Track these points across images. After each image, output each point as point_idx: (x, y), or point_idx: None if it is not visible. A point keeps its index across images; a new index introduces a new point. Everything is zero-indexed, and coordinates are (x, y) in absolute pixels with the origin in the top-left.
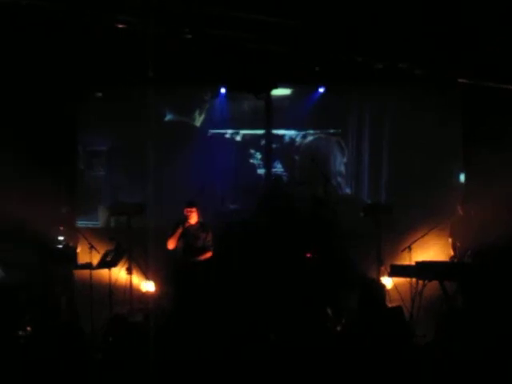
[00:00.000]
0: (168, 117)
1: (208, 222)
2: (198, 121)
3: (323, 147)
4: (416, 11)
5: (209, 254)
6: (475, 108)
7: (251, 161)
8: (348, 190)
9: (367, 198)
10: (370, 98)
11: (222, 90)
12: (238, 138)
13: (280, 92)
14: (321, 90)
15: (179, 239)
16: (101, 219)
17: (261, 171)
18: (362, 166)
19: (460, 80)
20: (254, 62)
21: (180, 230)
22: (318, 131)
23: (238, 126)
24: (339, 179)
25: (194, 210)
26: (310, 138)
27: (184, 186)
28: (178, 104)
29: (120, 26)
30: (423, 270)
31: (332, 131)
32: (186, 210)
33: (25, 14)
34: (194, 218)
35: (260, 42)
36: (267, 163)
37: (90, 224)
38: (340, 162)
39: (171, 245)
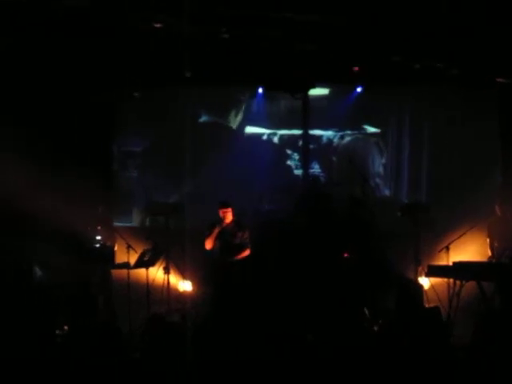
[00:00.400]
0: (203, 118)
1: (245, 221)
2: (235, 121)
3: (361, 148)
4: (453, 10)
5: (247, 252)
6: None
7: (288, 162)
8: (387, 191)
9: (406, 198)
10: (409, 99)
11: (260, 90)
12: (276, 139)
13: (318, 92)
14: (358, 89)
15: (216, 239)
16: (135, 220)
17: (298, 172)
18: (401, 167)
19: (498, 79)
20: (291, 62)
21: (217, 230)
22: (356, 132)
23: (275, 127)
24: (378, 180)
25: (229, 210)
26: (347, 139)
27: (220, 186)
28: (214, 105)
29: (157, 25)
30: (461, 270)
31: (370, 131)
32: (221, 210)
33: (67, 15)
34: (229, 218)
35: (297, 42)
36: (304, 164)
37: (125, 225)
38: (378, 163)
39: (209, 245)
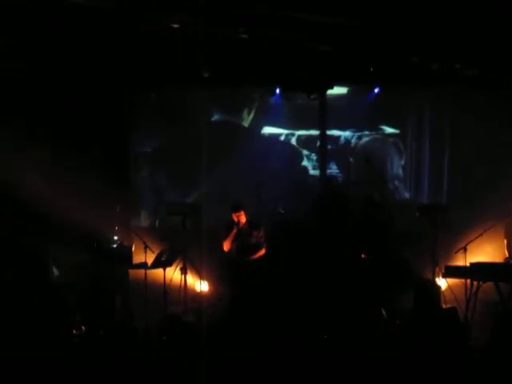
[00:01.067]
0: (215, 117)
1: (261, 221)
2: (247, 120)
3: (379, 149)
4: (469, 11)
5: (262, 251)
6: None
7: (306, 162)
8: (406, 194)
9: (426, 199)
10: (429, 99)
11: (277, 91)
12: (294, 139)
13: (336, 91)
14: (376, 90)
15: (233, 240)
16: (144, 221)
17: (316, 172)
18: (422, 168)
19: None
20: (308, 62)
21: (234, 231)
22: (374, 132)
23: (293, 127)
24: (396, 183)
25: (241, 213)
26: (365, 139)
27: (236, 186)
28: (228, 104)
29: (174, 25)
30: (478, 271)
31: (388, 132)
32: (234, 214)
33: (83, 15)
34: (243, 220)
35: (314, 42)
36: (322, 164)
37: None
38: (398, 165)
39: (227, 246)
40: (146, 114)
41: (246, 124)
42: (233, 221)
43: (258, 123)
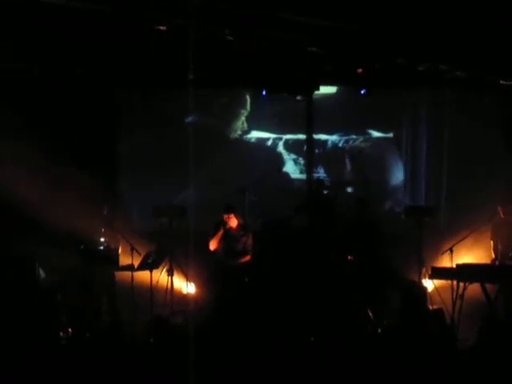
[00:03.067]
0: (202, 120)
1: (250, 225)
2: (235, 124)
3: (375, 151)
4: (458, 11)
5: (247, 257)
6: None
7: (293, 166)
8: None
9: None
10: (424, 101)
11: (263, 93)
12: (281, 144)
13: (325, 90)
14: (362, 92)
15: (220, 241)
16: (130, 222)
17: (303, 176)
18: (418, 171)
19: (501, 81)
20: (294, 64)
21: (221, 232)
22: (361, 136)
23: (280, 131)
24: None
25: (231, 215)
26: (356, 143)
27: (222, 188)
28: (215, 107)
29: (161, 27)
30: (464, 272)
31: (379, 136)
32: (224, 215)
33: (74, 14)
34: (233, 223)
35: (300, 44)
36: (309, 168)
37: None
38: (396, 168)
39: (212, 246)
40: (133, 116)
41: (234, 127)
42: (222, 221)
43: (247, 127)
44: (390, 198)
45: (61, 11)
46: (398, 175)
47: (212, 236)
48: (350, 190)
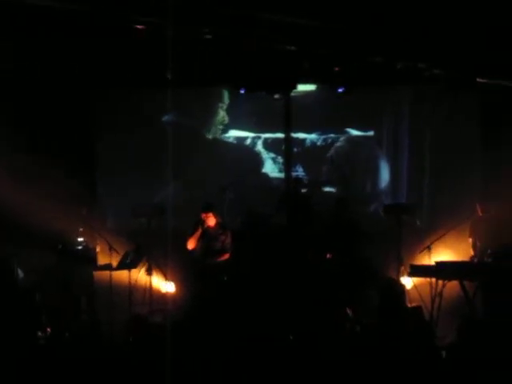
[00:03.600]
0: (179, 119)
1: (228, 223)
2: (215, 119)
3: (354, 150)
4: (435, 10)
5: (226, 256)
6: (494, 108)
7: (272, 165)
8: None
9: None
10: (389, 99)
11: (242, 92)
12: (260, 142)
13: (305, 88)
14: (340, 90)
15: (199, 240)
16: (108, 222)
17: (281, 175)
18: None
19: (479, 80)
20: (271, 63)
21: (199, 231)
22: (340, 135)
23: (259, 130)
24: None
25: (210, 214)
26: (338, 143)
27: (201, 188)
28: (190, 107)
29: (139, 26)
30: (443, 270)
31: (358, 135)
32: (202, 214)
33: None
34: (211, 222)
35: (278, 42)
36: (287, 167)
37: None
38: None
39: (190, 245)
40: (112, 116)
41: (211, 126)
42: (200, 220)
43: (225, 126)
44: (376, 199)
45: (38, 10)
46: (385, 177)
47: (190, 235)
48: (331, 189)
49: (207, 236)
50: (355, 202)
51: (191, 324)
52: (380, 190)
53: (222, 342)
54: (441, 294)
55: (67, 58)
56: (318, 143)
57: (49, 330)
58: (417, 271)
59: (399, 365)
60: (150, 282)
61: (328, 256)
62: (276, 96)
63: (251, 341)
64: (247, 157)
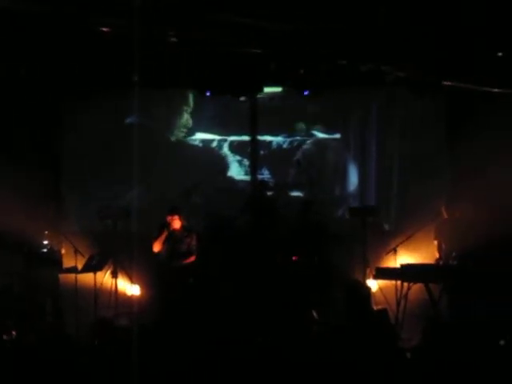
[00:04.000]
0: (143, 121)
1: (194, 226)
2: (179, 122)
3: (320, 152)
4: (400, 12)
5: (192, 258)
6: (461, 111)
7: (238, 168)
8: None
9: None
10: (355, 102)
11: (207, 94)
12: (226, 145)
13: (271, 89)
14: (305, 93)
15: (164, 242)
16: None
17: (247, 178)
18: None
19: (444, 83)
20: (237, 65)
21: (165, 234)
22: (306, 138)
23: (225, 133)
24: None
25: (175, 217)
26: (305, 146)
27: (166, 190)
28: (154, 109)
29: (105, 29)
30: (408, 272)
31: (323, 137)
32: (167, 217)
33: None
34: (177, 224)
35: (244, 45)
36: (253, 169)
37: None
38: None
39: (156, 248)
40: (76, 116)
41: (176, 126)
42: (166, 222)
43: (189, 124)
44: (344, 202)
45: (4, 13)
46: (353, 180)
47: (156, 238)
48: (298, 192)
49: (173, 238)
50: (323, 205)
51: (157, 327)
52: (348, 192)
53: (188, 344)
54: (406, 297)
55: (29, 59)
56: (285, 146)
57: (14, 333)
58: (382, 274)
59: (364, 367)
60: (116, 285)
61: (294, 258)
62: (242, 98)
63: (218, 343)
64: (213, 159)
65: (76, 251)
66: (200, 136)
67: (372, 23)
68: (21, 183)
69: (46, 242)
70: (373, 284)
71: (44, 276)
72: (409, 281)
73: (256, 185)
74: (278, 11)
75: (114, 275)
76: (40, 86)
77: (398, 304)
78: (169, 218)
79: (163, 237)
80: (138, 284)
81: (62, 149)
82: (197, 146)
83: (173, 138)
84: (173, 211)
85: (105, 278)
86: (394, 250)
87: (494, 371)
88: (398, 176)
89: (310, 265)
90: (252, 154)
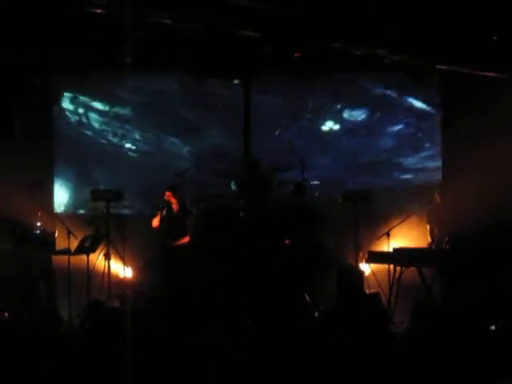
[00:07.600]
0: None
1: (189, 207)
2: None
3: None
4: None
5: (186, 239)
6: (455, 96)
7: None
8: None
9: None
10: (346, 85)
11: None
12: None
13: None
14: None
15: (162, 220)
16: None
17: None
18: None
19: (439, 67)
20: (232, 49)
21: (163, 211)
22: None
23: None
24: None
25: (169, 193)
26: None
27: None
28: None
29: (98, 11)
30: (401, 256)
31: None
32: (166, 194)
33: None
34: (172, 202)
35: (237, 27)
36: (246, 149)
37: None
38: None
39: (154, 223)
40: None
41: None
42: (164, 200)
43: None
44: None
45: None
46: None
47: (155, 215)
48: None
49: (169, 217)
50: (315, 188)
51: (151, 308)
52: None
53: (181, 326)
54: (399, 281)
55: (20, 43)
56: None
57: (6, 314)
58: (375, 258)
59: (356, 349)
60: (109, 267)
61: (287, 242)
62: (235, 81)
63: (210, 326)
64: None
65: (69, 233)
66: None
67: (367, 6)
68: (14, 166)
69: (38, 224)
70: (366, 268)
71: (37, 257)
72: (401, 265)
73: (249, 165)
74: None
75: (107, 257)
76: (30, 70)
77: (391, 288)
78: (166, 195)
79: (161, 213)
80: (131, 266)
81: (55, 132)
82: None
83: None
84: (169, 188)
85: (98, 260)
86: (387, 234)
87: (484, 356)
88: None
89: (302, 248)
90: (245, 135)
